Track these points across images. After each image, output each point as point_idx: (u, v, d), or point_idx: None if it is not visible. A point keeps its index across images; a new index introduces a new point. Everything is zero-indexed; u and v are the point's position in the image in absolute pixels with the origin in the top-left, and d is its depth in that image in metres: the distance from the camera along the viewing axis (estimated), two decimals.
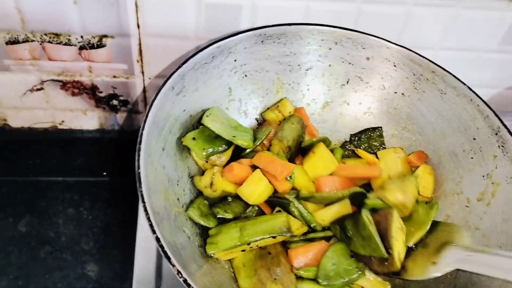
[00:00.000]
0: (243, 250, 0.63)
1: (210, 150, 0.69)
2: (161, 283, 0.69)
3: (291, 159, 0.75)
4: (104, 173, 1.09)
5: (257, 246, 0.63)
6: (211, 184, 0.68)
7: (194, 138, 0.68)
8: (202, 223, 0.66)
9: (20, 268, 0.95)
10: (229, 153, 0.72)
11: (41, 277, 0.95)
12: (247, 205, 0.69)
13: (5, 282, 0.94)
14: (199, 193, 0.70)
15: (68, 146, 1.02)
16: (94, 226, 1.03)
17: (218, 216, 0.67)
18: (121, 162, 1.06)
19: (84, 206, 1.05)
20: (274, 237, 0.62)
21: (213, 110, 0.72)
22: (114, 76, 0.89)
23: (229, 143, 0.71)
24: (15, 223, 1.01)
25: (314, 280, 0.65)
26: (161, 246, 0.50)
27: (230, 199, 0.69)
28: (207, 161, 0.71)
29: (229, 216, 0.66)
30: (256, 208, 0.69)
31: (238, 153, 0.73)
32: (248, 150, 0.72)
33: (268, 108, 0.81)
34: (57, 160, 1.05)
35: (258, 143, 0.73)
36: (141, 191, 0.54)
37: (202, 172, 0.71)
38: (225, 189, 0.69)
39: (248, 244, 0.61)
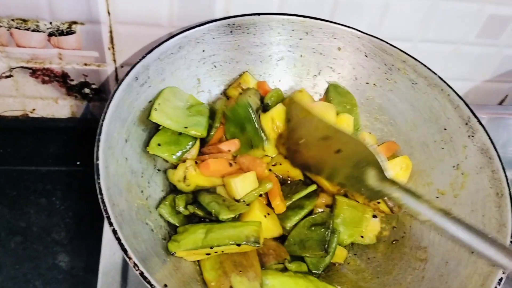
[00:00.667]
0: (208, 254, 0.62)
1: (179, 153, 0.68)
2: (128, 275, 0.68)
3: None
4: (78, 163, 1.07)
5: (222, 251, 0.62)
6: (184, 178, 0.67)
7: (159, 144, 0.66)
8: (172, 221, 0.65)
9: None
10: (197, 145, 0.71)
11: (11, 268, 0.93)
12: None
13: None
14: (165, 186, 0.69)
15: (40, 134, 1.00)
16: (66, 216, 1.02)
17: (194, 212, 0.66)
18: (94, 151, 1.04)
19: (56, 196, 1.04)
20: (238, 245, 0.60)
21: (163, 97, 0.69)
22: (85, 64, 0.87)
23: (194, 137, 0.69)
24: None
25: (282, 270, 0.65)
26: (118, 239, 0.50)
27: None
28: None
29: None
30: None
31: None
32: (213, 132, 0.71)
33: (230, 85, 0.80)
34: (29, 149, 1.03)
35: (216, 124, 0.72)
36: (99, 183, 0.53)
37: (174, 166, 0.70)
38: (199, 184, 0.67)
39: (211, 248, 0.60)
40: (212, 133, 0.71)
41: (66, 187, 1.05)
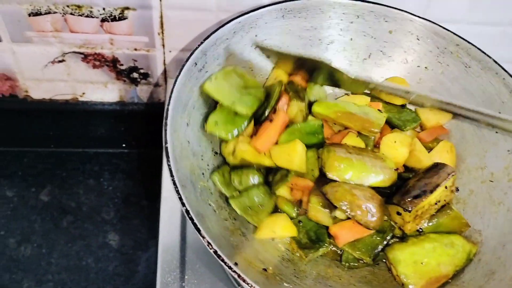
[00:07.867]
0: None
1: (235, 132, 0.69)
2: (186, 253, 0.70)
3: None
4: (124, 145, 1.10)
5: None
6: (233, 152, 0.69)
7: (216, 123, 0.68)
8: (223, 190, 0.67)
9: (44, 236, 0.98)
10: (251, 124, 0.72)
11: (64, 246, 0.97)
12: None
13: (29, 249, 0.97)
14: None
15: (89, 118, 1.03)
16: (114, 196, 1.05)
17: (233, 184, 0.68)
18: (140, 134, 1.07)
19: (104, 177, 1.07)
20: None
21: (223, 73, 0.71)
22: (135, 49, 0.89)
23: (250, 118, 0.71)
24: (37, 192, 1.04)
25: None
26: (191, 219, 0.52)
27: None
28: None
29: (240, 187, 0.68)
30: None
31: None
32: (267, 112, 0.72)
33: None
34: (77, 132, 1.06)
35: (269, 110, 0.72)
36: (169, 165, 0.54)
37: None
38: (244, 157, 0.69)
39: None
40: (266, 113, 0.72)
41: (113, 168, 1.08)
